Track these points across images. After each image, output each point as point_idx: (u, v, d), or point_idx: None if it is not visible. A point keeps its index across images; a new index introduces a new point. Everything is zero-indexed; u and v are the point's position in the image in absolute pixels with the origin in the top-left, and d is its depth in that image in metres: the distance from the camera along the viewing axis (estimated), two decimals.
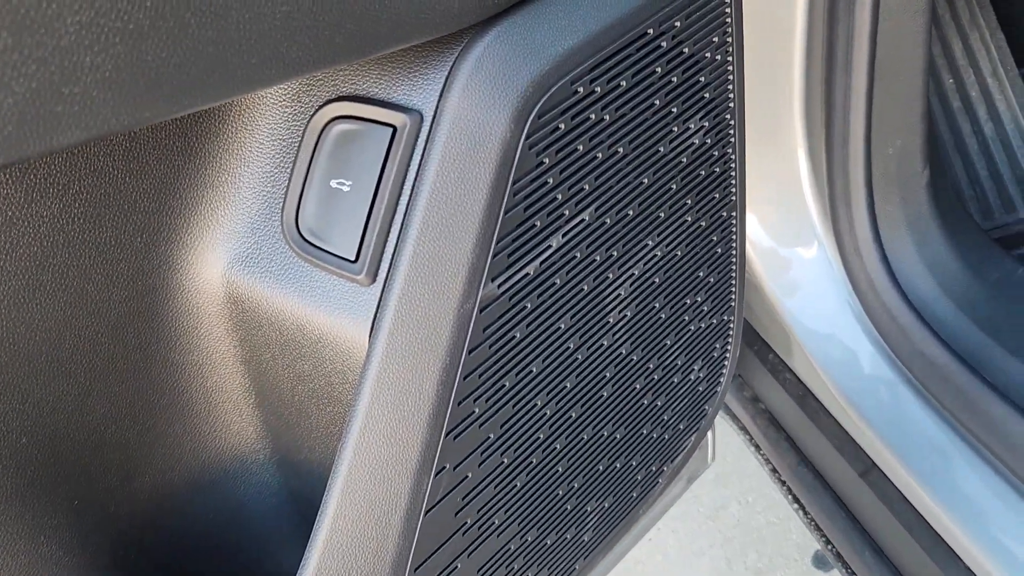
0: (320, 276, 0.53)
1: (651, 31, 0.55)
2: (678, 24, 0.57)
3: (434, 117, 0.48)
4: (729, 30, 0.62)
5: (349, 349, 0.53)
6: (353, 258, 0.51)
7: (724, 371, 0.80)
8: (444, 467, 0.54)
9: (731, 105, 0.65)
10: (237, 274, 0.55)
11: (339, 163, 0.51)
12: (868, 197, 0.93)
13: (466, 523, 0.58)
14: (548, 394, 0.60)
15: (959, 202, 1.03)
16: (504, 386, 0.56)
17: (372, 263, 0.50)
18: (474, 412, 0.54)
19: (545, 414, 0.60)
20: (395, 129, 0.49)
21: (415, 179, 0.49)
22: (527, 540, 0.65)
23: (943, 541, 0.89)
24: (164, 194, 0.53)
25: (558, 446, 0.63)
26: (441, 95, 0.48)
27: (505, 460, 0.59)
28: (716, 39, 0.61)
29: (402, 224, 0.49)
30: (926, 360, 0.90)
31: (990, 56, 1.27)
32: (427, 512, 0.54)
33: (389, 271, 0.50)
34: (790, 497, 1.09)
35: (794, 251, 1.02)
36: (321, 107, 0.51)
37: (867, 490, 0.97)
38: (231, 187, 0.54)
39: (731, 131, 0.66)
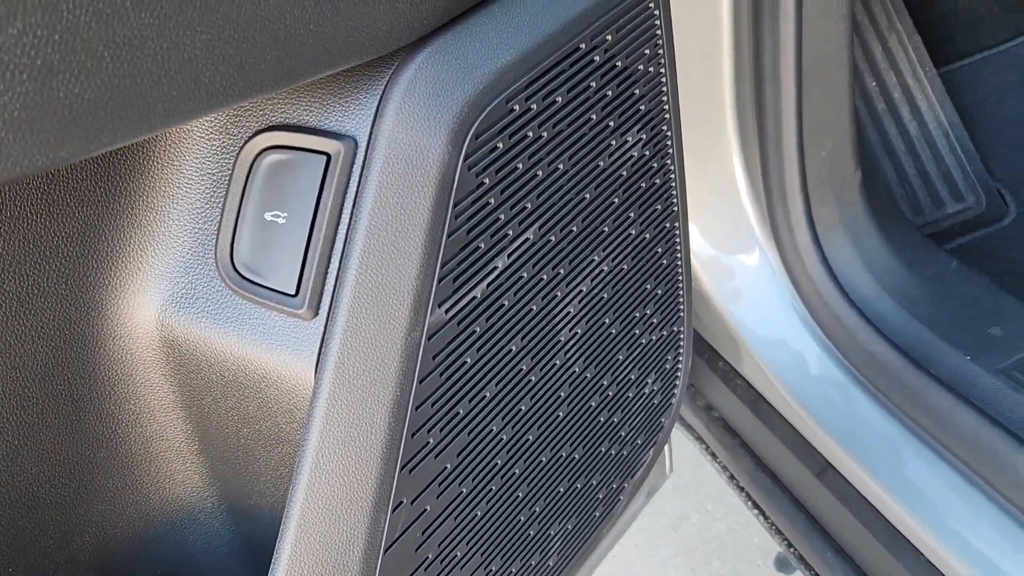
0: (260, 313, 0.51)
1: (583, 46, 0.54)
2: (609, 38, 0.57)
3: (369, 142, 0.47)
4: (660, 42, 0.62)
5: (295, 387, 0.51)
6: (293, 292, 0.49)
7: (678, 382, 0.80)
8: (401, 502, 0.52)
9: (667, 116, 0.65)
10: (172, 316, 0.53)
11: (273, 195, 0.49)
12: (804, 201, 0.95)
13: (427, 558, 0.56)
14: (503, 419, 0.59)
15: (891, 201, 1.06)
16: (458, 414, 0.54)
17: (313, 296, 0.48)
18: (428, 443, 0.53)
19: (502, 439, 0.59)
20: (329, 157, 0.48)
21: (353, 207, 0.48)
22: (492, 570, 0.64)
23: (901, 535, 0.90)
24: (88, 237, 0.51)
25: (517, 471, 0.62)
26: (375, 119, 0.47)
27: (464, 490, 0.57)
28: (648, 51, 0.61)
29: (342, 254, 0.48)
30: (872, 358, 0.91)
31: (909, 58, 1.31)
32: (386, 550, 0.52)
33: (331, 303, 0.48)
34: (749, 503, 1.09)
35: (736, 258, 1.03)
36: (251, 138, 0.50)
37: (824, 490, 0.98)
38: (160, 226, 0.52)
39: (669, 142, 0.67)
